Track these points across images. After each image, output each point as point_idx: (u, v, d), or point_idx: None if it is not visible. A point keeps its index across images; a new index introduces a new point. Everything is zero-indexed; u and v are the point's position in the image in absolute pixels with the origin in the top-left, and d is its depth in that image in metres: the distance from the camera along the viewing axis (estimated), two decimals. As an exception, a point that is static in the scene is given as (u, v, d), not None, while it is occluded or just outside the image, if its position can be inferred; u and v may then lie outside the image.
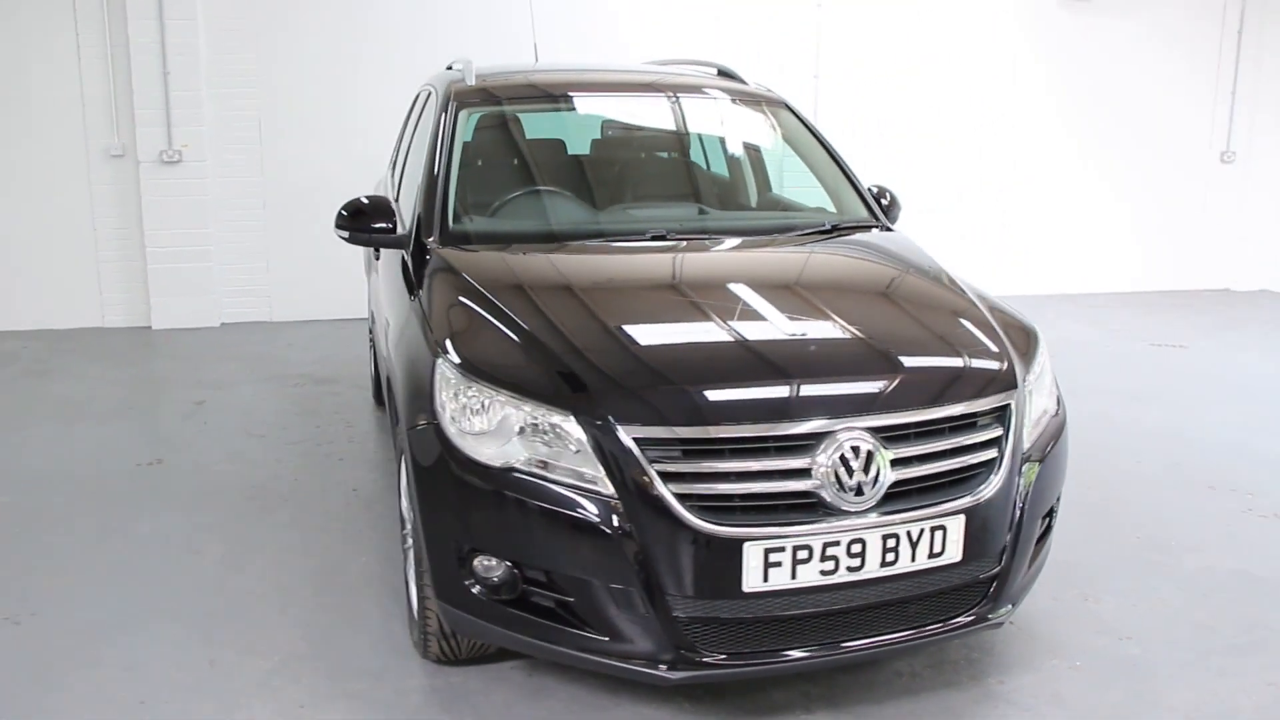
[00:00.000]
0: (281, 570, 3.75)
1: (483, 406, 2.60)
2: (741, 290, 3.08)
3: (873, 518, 2.51)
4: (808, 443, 2.50)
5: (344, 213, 3.61)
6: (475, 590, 2.63)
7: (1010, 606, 2.82)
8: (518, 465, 2.52)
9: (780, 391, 2.59)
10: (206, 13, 7.25)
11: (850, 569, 2.51)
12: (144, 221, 7.34)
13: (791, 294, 3.11)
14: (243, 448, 5.04)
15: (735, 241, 3.55)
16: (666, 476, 2.43)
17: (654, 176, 4.12)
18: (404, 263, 3.55)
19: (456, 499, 2.61)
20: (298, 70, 7.51)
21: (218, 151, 7.43)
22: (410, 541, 3.26)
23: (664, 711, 2.90)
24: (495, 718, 2.86)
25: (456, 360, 2.70)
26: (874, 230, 3.75)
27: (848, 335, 2.84)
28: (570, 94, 4.17)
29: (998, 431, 2.72)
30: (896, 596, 2.60)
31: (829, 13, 8.29)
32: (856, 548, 2.49)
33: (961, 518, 2.60)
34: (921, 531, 2.55)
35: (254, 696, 2.97)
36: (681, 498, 2.42)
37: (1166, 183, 9.23)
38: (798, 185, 4.27)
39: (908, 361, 2.72)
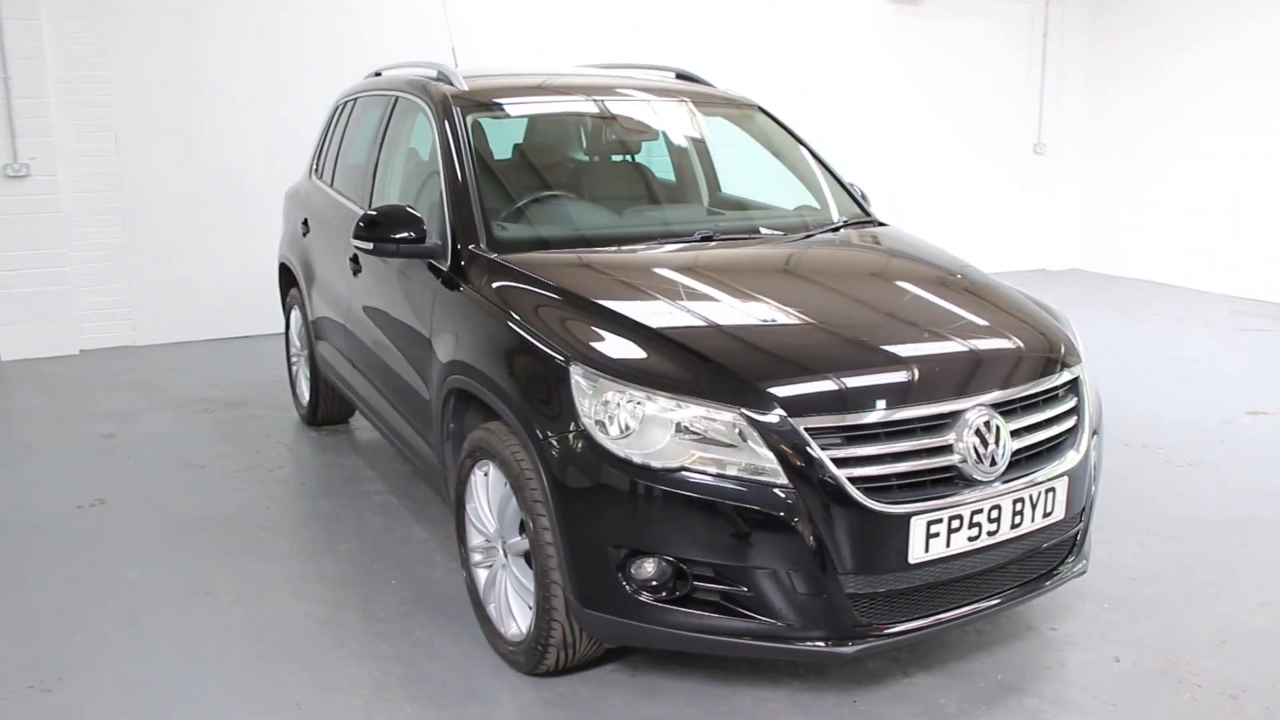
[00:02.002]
0: (312, 602, 3.56)
1: (629, 408, 2.61)
2: (832, 282, 3.22)
3: (1000, 485, 2.71)
4: (946, 421, 2.68)
5: (361, 224, 3.48)
6: (637, 594, 2.63)
7: (1086, 560, 3.10)
8: (688, 464, 2.54)
9: (922, 375, 2.75)
10: (51, 15, 6.61)
11: (989, 533, 2.71)
12: (-13, 243, 6.63)
13: (875, 284, 3.28)
14: (189, 480, 4.69)
15: (779, 238, 3.68)
16: (837, 462, 2.53)
17: (659, 177, 4.17)
18: (437, 273, 3.45)
19: (615, 504, 2.60)
20: (156, 78, 6.99)
21: (70, 165, 6.80)
22: (481, 559, 3.22)
23: (778, 692, 3.01)
24: (627, 720, 2.88)
25: (592, 365, 2.69)
26: (876, 225, 3.97)
27: (950, 319, 3.03)
28: (569, 97, 4.15)
29: (1074, 401, 3.00)
30: (1016, 555, 2.83)
31: (690, 16, 8.54)
32: (994, 513, 2.70)
33: (1066, 479, 2.87)
34: (1039, 494, 2.79)
35: (363, 732, 2.84)
36: (852, 481, 2.53)
37: (989, 172, 10.10)
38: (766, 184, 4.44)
39: (1007, 342, 2.95)
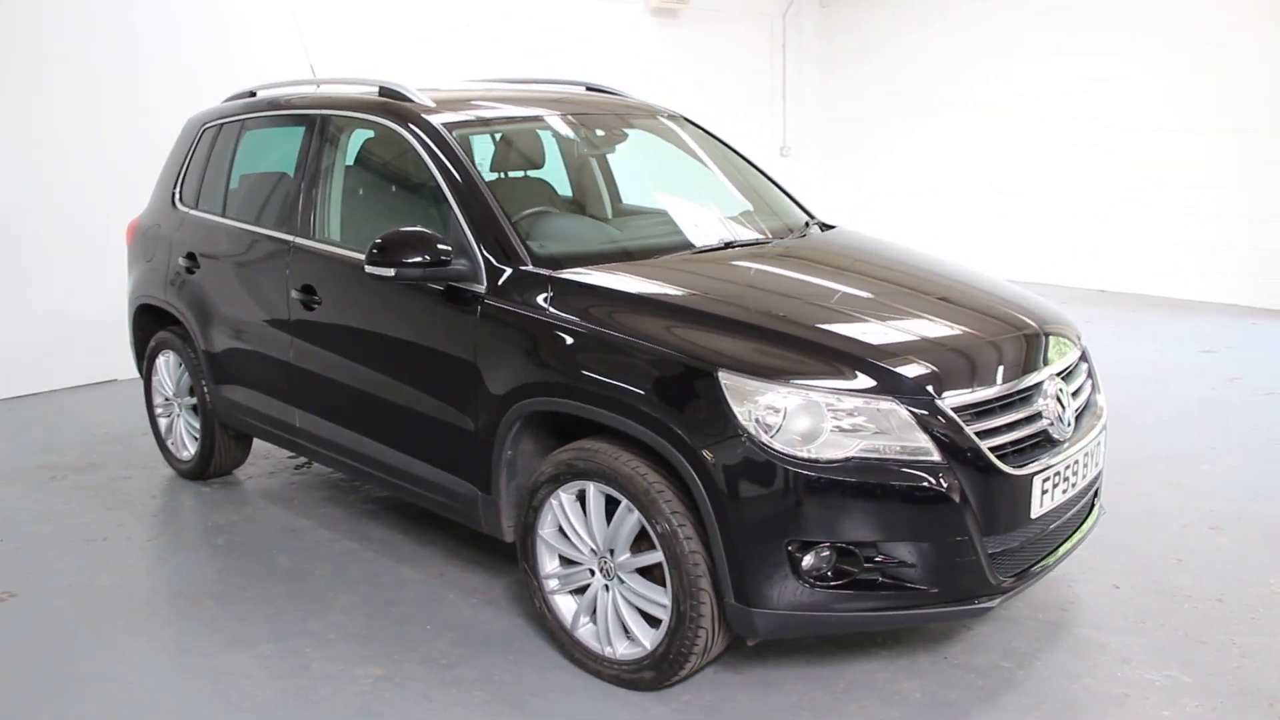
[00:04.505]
0: (361, 661, 3.29)
1: (787, 406, 2.70)
2: (882, 275, 3.48)
3: (1072, 443, 3.07)
4: (1033, 391, 3.00)
5: (375, 251, 3.28)
6: (812, 584, 2.72)
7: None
8: (853, 453, 2.67)
9: (1016, 351, 3.05)
10: None
11: (1073, 485, 3.08)
12: None
13: (923, 274, 3.54)
14: (98, 557, 4.11)
15: (793, 240, 3.86)
16: (978, 435, 2.77)
17: (632, 189, 4.20)
18: (464, 296, 3.32)
19: (788, 501, 2.67)
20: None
21: None
22: (557, 585, 3.21)
23: (877, 662, 3.21)
24: (766, 716, 2.95)
25: (740, 369, 2.74)
26: (828, 226, 4.24)
27: (1006, 303, 3.34)
28: (531, 114, 4.08)
29: (1087, 368, 3.43)
30: (1081, 502, 3.21)
31: (476, 33, 8.49)
32: (1075, 467, 3.06)
33: (1106, 432, 3.28)
34: (1093, 448, 3.19)
35: (523, 777, 2.71)
36: (991, 450, 2.78)
37: (746, 176, 10.80)
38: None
39: (1049, 321, 3.31)
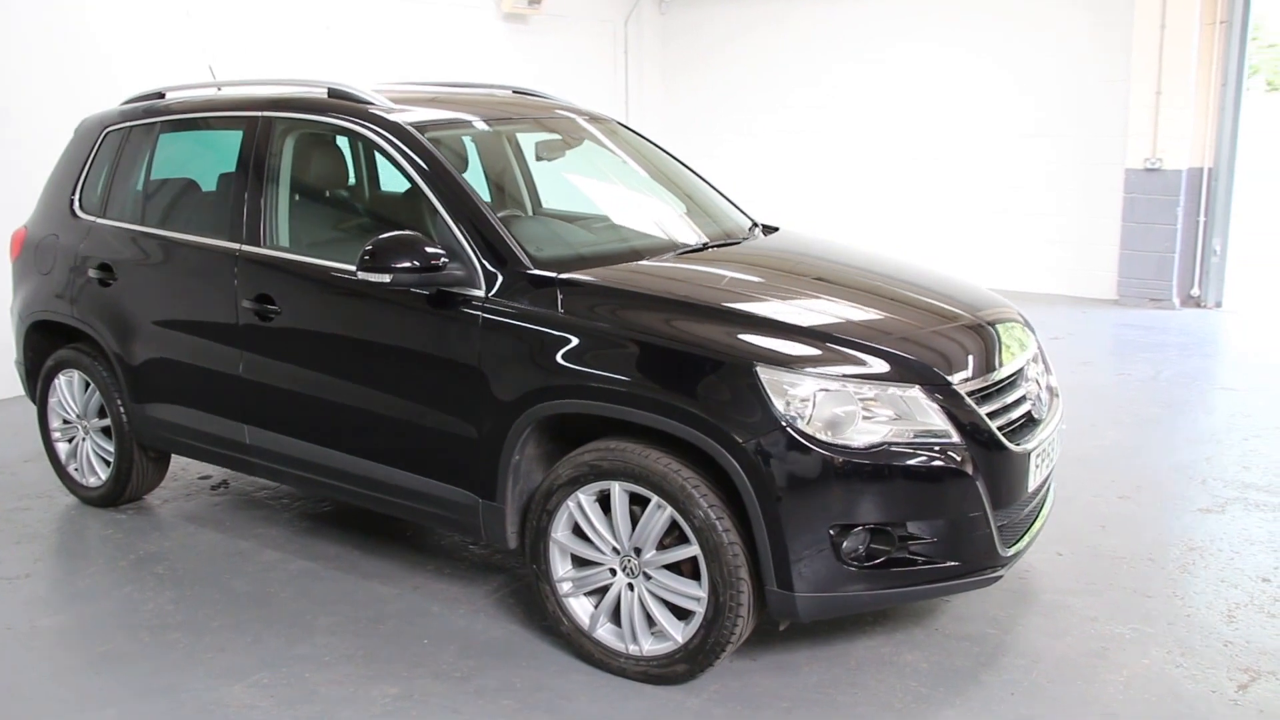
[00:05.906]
0: (374, 680, 3.19)
1: (824, 398, 2.82)
2: (863, 274, 3.63)
3: (1047, 422, 3.34)
4: (1018, 375, 3.24)
5: (367, 257, 3.20)
6: (854, 566, 2.85)
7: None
8: (886, 439, 2.82)
9: (1005, 338, 3.28)
10: None
11: (1051, 459, 3.34)
12: None
13: (894, 273, 3.69)
14: (27, 596, 3.78)
15: (755, 244, 3.96)
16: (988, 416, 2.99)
17: (586, 192, 4.20)
18: (453, 300, 3.27)
19: (830, 488, 2.79)
20: None
21: None
22: (570, 588, 3.24)
23: (879, 637, 3.40)
24: (795, 697, 3.07)
25: (777, 364, 2.84)
26: (774, 229, 4.40)
27: (975, 293, 3.57)
28: (484, 120, 4.02)
29: (1039, 352, 3.73)
30: (1050, 477, 3.49)
31: (337, 35, 8.24)
32: (1052, 442, 3.33)
33: (1062, 410, 3.58)
34: (1062, 427, 3.46)
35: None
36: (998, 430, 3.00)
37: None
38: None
39: (1009, 306, 3.58)
